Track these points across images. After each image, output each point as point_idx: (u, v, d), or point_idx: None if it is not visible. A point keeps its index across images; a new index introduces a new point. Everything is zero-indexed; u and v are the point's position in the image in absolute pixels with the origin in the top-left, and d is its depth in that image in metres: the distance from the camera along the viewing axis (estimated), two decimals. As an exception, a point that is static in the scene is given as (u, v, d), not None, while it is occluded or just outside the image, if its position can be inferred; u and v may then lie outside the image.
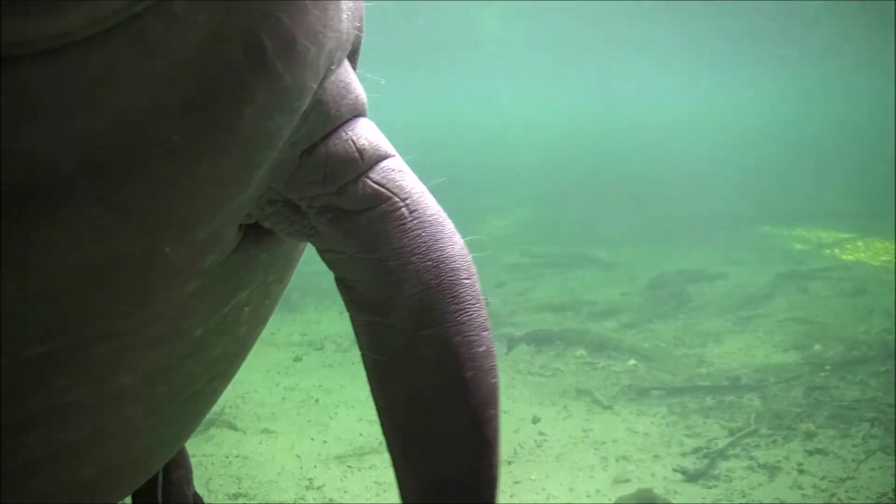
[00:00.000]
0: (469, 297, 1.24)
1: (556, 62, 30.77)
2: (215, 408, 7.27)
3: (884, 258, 12.56)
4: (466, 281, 1.25)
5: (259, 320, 1.44)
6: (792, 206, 18.64)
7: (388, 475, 5.94)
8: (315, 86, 1.08)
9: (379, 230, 1.17)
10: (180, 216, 1.03)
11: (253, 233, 1.23)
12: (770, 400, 7.09)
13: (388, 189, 1.18)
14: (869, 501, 5.25)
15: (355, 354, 9.15)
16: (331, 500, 5.60)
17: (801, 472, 5.72)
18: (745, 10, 19.43)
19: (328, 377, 8.28)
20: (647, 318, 9.95)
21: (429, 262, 1.18)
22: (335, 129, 1.17)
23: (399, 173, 1.23)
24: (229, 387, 6.99)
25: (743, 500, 5.38)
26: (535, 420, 6.92)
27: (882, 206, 15.75)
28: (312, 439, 6.62)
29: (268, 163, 1.09)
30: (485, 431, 1.19)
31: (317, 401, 7.58)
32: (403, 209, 1.18)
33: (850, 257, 12.83)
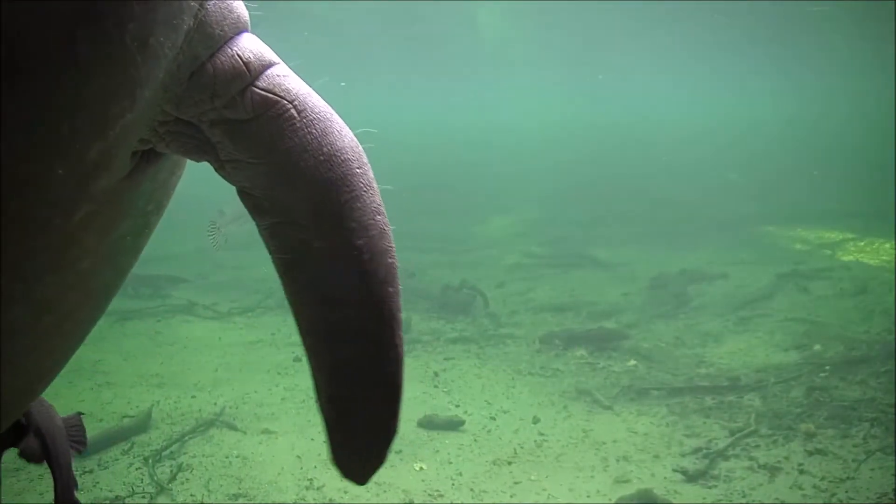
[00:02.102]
0: (362, 185, 1.27)
1: (557, 62, 30.76)
2: (215, 408, 7.31)
3: (884, 258, 12.56)
4: (358, 170, 1.27)
5: (137, 250, 1.49)
6: (792, 206, 18.64)
7: (389, 475, 5.94)
8: (195, 3, 1.12)
9: (271, 133, 1.21)
10: (69, 132, 1.06)
11: (141, 160, 1.26)
12: (770, 400, 7.09)
13: (275, 94, 1.22)
14: (869, 502, 5.25)
15: (355, 355, 9.17)
16: (331, 500, 5.60)
17: (801, 472, 5.71)
18: (747, 10, 19.43)
19: (328, 377, 8.27)
20: (647, 318, 9.95)
21: (321, 157, 1.22)
22: (221, 47, 1.20)
23: (285, 78, 1.26)
24: (229, 387, 7.06)
25: (743, 501, 5.38)
26: (535, 420, 6.92)
27: (882, 206, 15.75)
28: (312, 439, 6.62)
29: (154, 82, 1.12)
30: (385, 309, 1.31)
31: (317, 401, 7.57)
32: (292, 110, 1.22)
33: (850, 257, 12.82)
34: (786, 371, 7.77)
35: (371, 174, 1.31)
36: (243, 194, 1.29)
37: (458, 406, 7.35)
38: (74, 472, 2.08)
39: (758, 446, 6.18)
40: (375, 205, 1.29)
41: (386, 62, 28.67)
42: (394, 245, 1.30)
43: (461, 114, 55.71)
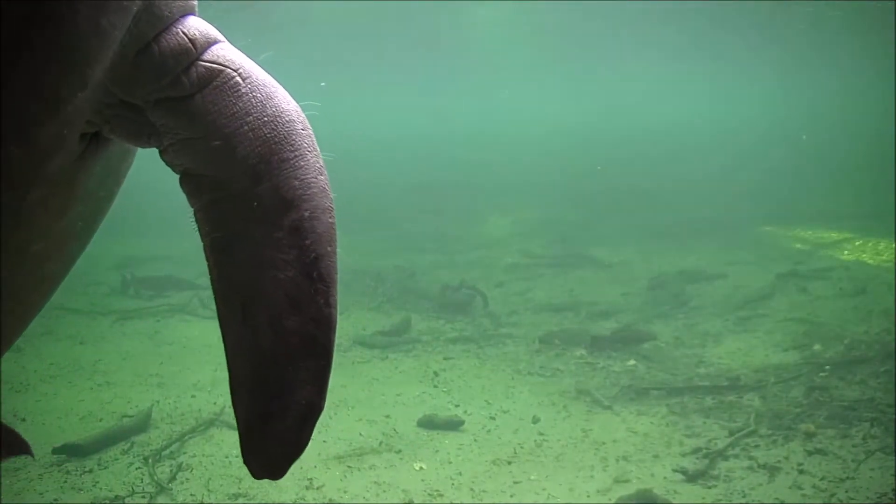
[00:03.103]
0: (306, 145, 1.29)
1: (557, 62, 30.75)
2: (215, 408, 7.31)
3: (883, 258, 12.57)
4: (303, 132, 1.30)
5: (88, 237, 1.50)
6: (792, 206, 18.64)
7: (388, 475, 5.94)
8: None
9: (216, 101, 1.24)
10: (22, 112, 1.08)
11: (90, 143, 1.27)
12: (770, 400, 7.09)
13: (220, 64, 1.25)
14: (869, 501, 5.25)
15: (355, 354, 9.18)
16: (331, 500, 5.59)
17: (800, 472, 5.71)
18: (747, 11, 19.43)
19: (328, 377, 8.26)
20: (647, 318, 9.95)
21: (265, 118, 1.25)
22: (167, 27, 1.23)
23: (229, 50, 1.29)
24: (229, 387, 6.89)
25: (743, 501, 5.38)
26: (535, 420, 6.92)
27: (882, 206, 15.75)
28: (312, 439, 6.61)
29: (103, 63, 1.14)
30: (322, 265, 1.27)
31: (317, 401, 7.56)
32: (237, 77, 1.25)
33: (850, 257, 12.83)
34: (785, 371, 7.77)
35: (314, 138, 1.33)
36: (185, 178, 1.30)
37: (457, 406, 7.35)
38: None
39: (757, 446, 6.18)
40: (318, 166, 1.30)
41: (386, 62, 28.67)
42: (334, 207, 1.31)
43: (461, 114, 55.70)
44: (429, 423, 6.84)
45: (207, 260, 1.33)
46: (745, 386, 7.44)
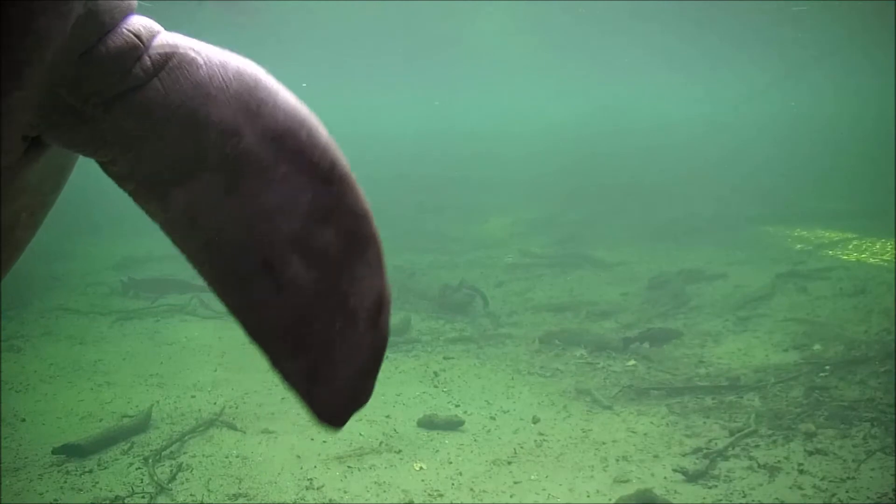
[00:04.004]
0: (276, 85, 1.29)
1: (556, 62, 30.75)
2: (215, 408, 7.31)
3: (883, 258, 12.56)
4: (268, 77, 1.30)
5: (35, 226, 1.50)
6: (792, 206, 18.65)
7: (388, 475, 5.94)
8: None
9: (177, 79, 1.23)
10: None
11: (33, 144, 1.27)
12: (770, 400, 7.09)
13: (171, 45, 1.25)
14: (869, 502, 5.25)
15: (355, 354, 9.18)
16: (331, 500, 5.59)
17: (801, 472, 5.71)
18: (746, 9, 19.43)
19: (328, 377, 8.26)
20: (647, 318, 9.94)
21: (230, 76, 1.25)
22: (111, 29, 1.23)
23: (174, 36, 1.30)
24: (229, 387, 7.05)
25: (743, 501, 5.38)
26: (535, 420, 6.92)
27: (882, 206, 15.75)
28: (312, 439, 6.62)
29: (42, 63, 1.14)
30: (338, 168, 1.26)
31: (317, 401, 7.56)
32: (190, 52, 1.25)
33: (850, 257, 12.83)
34: (785, 371, 7.77)
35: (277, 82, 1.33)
36: (143, 188, 1.27)
37: (457, 406, 7.35)
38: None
39: (758, 446, 6.18)
40: (295, 98, 1.31)
41: (386, 62, 28.67)
42: (323, 133, 1.30)
43: (461, 114, 55.70)
44: (429, 423, 6.83)
45: (197, 258, 1.30)
46: (745, 386, 7.43)
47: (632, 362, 8.35)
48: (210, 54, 1.27)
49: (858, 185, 20.16)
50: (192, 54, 1.25)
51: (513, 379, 8.06)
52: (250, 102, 1.25)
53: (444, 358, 8.81)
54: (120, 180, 1.28)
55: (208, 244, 1.29)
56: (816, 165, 24.59)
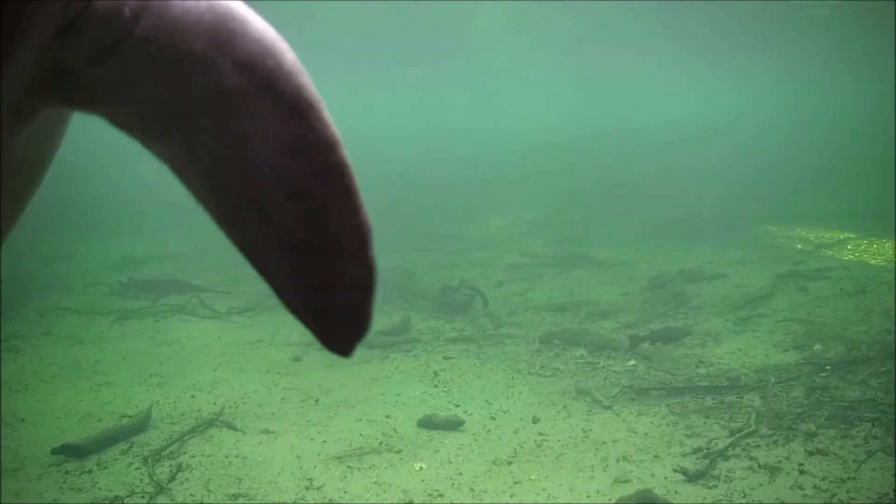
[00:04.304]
0: (246, 12, 1.31)
1: (556, 62, 30.76)
2: (215, 408, 7.31)
3: (884, 258, 12.56)
4: (240, 6, 1.32)
5: (26, 199, 1.54)
6: (792, 206, 18.64)
7: (388, 475, 5.94)
8: None
9: (153, 23, 1.26)
10: None
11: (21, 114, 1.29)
12: (770, 400, 7.08)
13: None
14: (870, 502, 5.24)
15: (355, 354, 9.18)
16: (331, 500, 5.59)
17: (801, 472, 5.71)
18: (747, 9, 19.43)
19: (328, 377, 8.27)
20: (647, 318, 9.94)
21: (202, 10, 1.27)
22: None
23: None
24: (229, 387, 7.05)
25: (743, 501, 5.37)
26: (535, 420, 6.91)
27: (882, 206, 15.74)
28: (312, 439, 6.61)
29: (39, 33, 1.16)
30: (303, 94, 1.26)
31: (317, 401, 7.57)
32: None
33: (850, 257, 12.82)
34: (786, 371, 7.76)
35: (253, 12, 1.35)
36: (145, 136, 1.30)
37: (457, 406, 7.34)
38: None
39: (758, 446, 6.17)
40: (265, 22, 1.33)
41: (386, 62, 28.67)
42: (300, 64, 1.31)
43: (461, 114, 55.72)
44: (429, 423, 6.83)
45: (191, 181, 1.34)
46: (745, 386, 7.43)
47: (632, 362, 8.35)
48: None
49: (858, 185, 20.15)
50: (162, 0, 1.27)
51: (513, 379, 8.06)
52: (223, 33, 1.27)
53: (444, 358, 8.80)
54: (125, 129, 1.30)
55: (204, 182, 1.30)
56: (816, 165, 24.58)
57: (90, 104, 1.29)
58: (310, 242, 1.29)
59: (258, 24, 1.31)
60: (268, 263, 1.32)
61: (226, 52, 1.26)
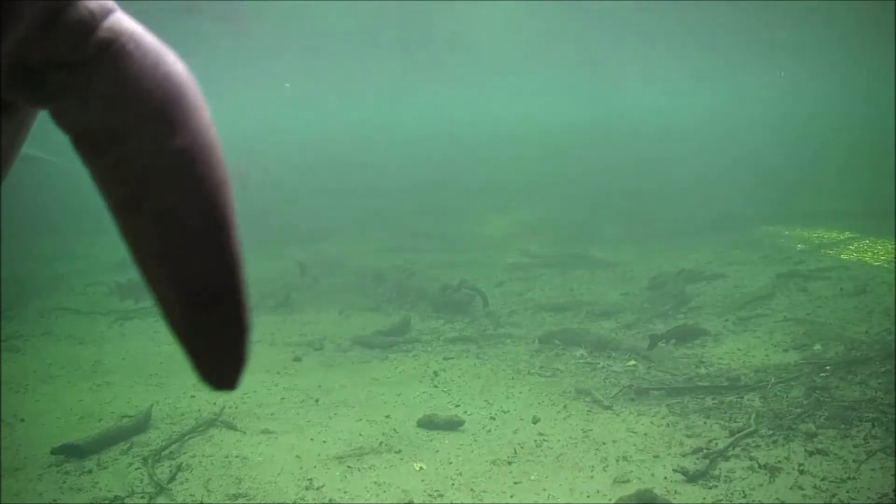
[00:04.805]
0: (195, 104, 1.40)
1: (556, 62, 30.75)
2: (215, 408, 7.31)
3: (884, 258, 12.56)
4: (191, 92, 1.40)
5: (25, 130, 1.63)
6: (792, 206, 18.64)
7: (388, 475, 5.94)
8: None
9: (110, 67, 1.34)
10: None
11: None
12: (770, 400, 7.08)
13: (116, 32, 1.36)
14: (870, 502, 5.24)
15: (355, 354, 9.18)
16: (331, 500, 5.59)
17: (801, 472, 5.70)
18: (746, 9, 19.42)
19: (328, 377, 8.27)
20: (647, 318, 9.94)
21: (157, 80, 1.36)
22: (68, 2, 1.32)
23: (123, 20, 1.40)
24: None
25: (743, 501, 5.37)
26: (535, 420, 6.91)
27: (882, 206, 15.74)
28: (312, 439, 6.61)
29: (18, 33, 1.21)
30: (220, 210, 1.38)
31: (317, 401, 7.57)
32: (130, 44, 1.36)
33: (851, 257, 12.82)
34: (786, 371, 7.76)
35: (202, 98, 1.43)
36: (81, 141, 1.38)
37: (457, 406, 7.34)
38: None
39: (758, 446, 6.17)
40: (208, 122, 1.41)
41: (385, 62, 28.67)
42: (223, 159, 1.41)
43: (461, 114, 55.71)
44: (429, 423, 6.83)
45: (117, 212, 1.43)
46: (745, 386, 7.43)
47: (632, 362, 8.35)
48: (147, 49, 1.36)
49: (858, 185, 20.15)
50: (132, 45, 1.34)
51: (513, 379, 8.06)
52: (167, 114, 1.35)
53: (444, 358, 8.80)
54: (65, 127, 1.38)
55: (122, 206, 1.40)
56: (817, 165, 24.58)
57: (45, 107, 1.36)
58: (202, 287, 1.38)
59: (199, 117, 1.39)
60: (158, 282, 1.39)
61: (163, 133, 1.34)
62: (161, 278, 1.40)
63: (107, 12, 1.37)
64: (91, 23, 1.32)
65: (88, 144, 1.39)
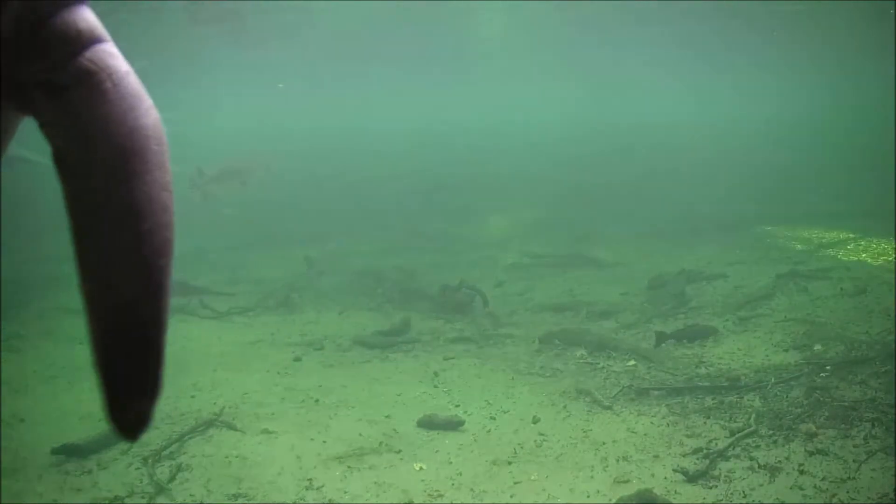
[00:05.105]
0: (156, 161, 1.41)
1: (555, 62, 30.74)
2: (215, 408, 7.31)
3: (884, 258, 12.55)
4: (156, 147, 1.42)
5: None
6: (792, 206, 18.63)
7: (388, 475, 5.93)
8: None
9: (87, 102, 1.34)
10: None
11: None
12: (770, 400, 7.08)
13: (98, 66, 1.36)
14: (870, 502, 5.24)
15: (355, 354, 9.17)
16: (331, 500, 5.59)
17: (801, 472, 5.70)
18: (746, 9, 19.42)
19: (328, 377, 8.27)
20: (647, 318, 9.93)
21: (124, 129, 1.36)
22: (58, 11, 1.32)
23: (111, 56, 1.40)
24: (229, 387, 7.03)
25: (743, 501, 5.37)
26: (535, 420, 6.91)
27: (882, 206, 15.73)
28: (312, 439, 6.61)
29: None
30: (155, 278, 1.40)
31: (317, 401, 7.57)
32: (108, 83, 1.36)
33: (851, 257, 12.81)
34: (786, 371, 7.76)
35: (167, 155, 1.45)
36: (56, 158, 1.40)
37: (458, 406, 7.34)
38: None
39: (758, 446, 6.17)
40: (165, 182, 1.42)
41: (385, 62, 28.66)
42: (173, 223, 1.43)
43: (461, 114, 55.72)
44: (429, 423, 6.83)
45: (74, 236, 1.45)
46: (745, 386, 7.42)
47: (632, 362, 8.35)
48: (124, 93, 1.36)
49: (858, 185, 20.14)
50: (108, 86, 1.34)
51: (513, 379, 8.06)
52: (127, 166, 1.36)
53: (444, 358, 8.80)
54: (47, 140, 1.40)
55: (75, 233, 1.42)
56: (816, 165, 24.57)
57: (35, 115, 1.37)
58: (123, 348, 1.39)
59: (158, 177, 1.39)
60: (94, 340, 1.39)
61: (117, 184, 1.34)
62: (89, 310, 1.38)
63: (94, 39, 1.37)
64: (75, 43, 1.33)
65: (58, 162, 1.40)
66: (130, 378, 1.44)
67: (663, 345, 8.59)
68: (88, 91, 1.33)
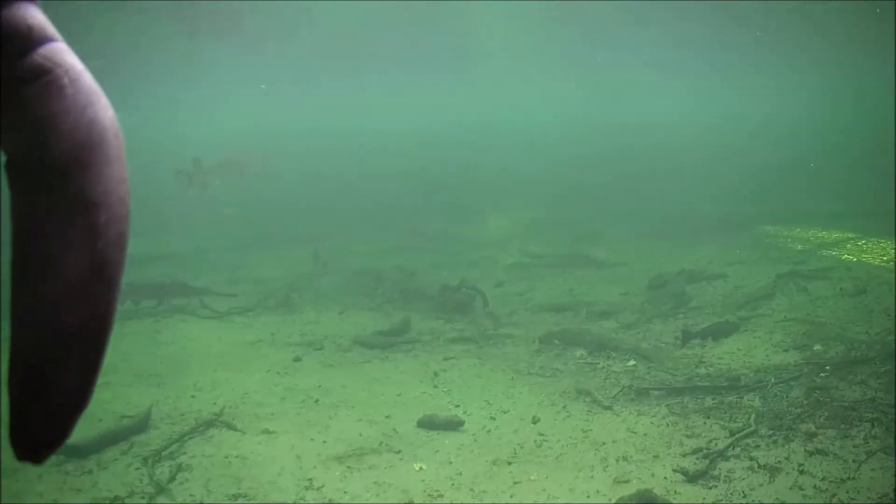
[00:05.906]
0: (114, 155, 1.42)
1: (555, 62, 30.74)
2: (215, 408, 7.31)
3: (884, 258, 12.55)
4: (114, 141, 1.42)
5: None
6: (792, 206, 18.63)
7: (388, 475, 5.94)
8: None
9: (41, 97, 1.33)
10: None
11: None
12: (770, 400, 7.08)
13: (52, 62, 1.35)
14: (870, 502, 5.24)
15: (355, 354, 9.17)
16: (331, 500, 5.59)
17: (801, 472, 5.71)
18: (746, 10, 19.43)
19: (328, 377, 8.27)
20: (647, 318, 9.93)
21: (82, 123, 1.35)
22: (4, 6, 1.32)
23: (63, 52, 1.39)
24: (229, 387, 7.04)
25: (743, 501, 5.37)
26: (535, 420, 6.91)
27: (882, 206, 15.73)
28: (312, 439, 6.61)
29: None
30: (109, 268, 1.39)
31: (317, 401, 7.57)
32: (64, 78, 1.35)
33: (850, 257, 12.81)
34: (786, 371, 7.76)
35: (123, 149, 1.44)
36: (10, 162, 1.39)
37: (457, 406, 7.34)
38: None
39: (758, 446, 6.17)
40: (122, 176, 1.42)
41: (384, 62, 28.67)
42: (129, 216, 1.44)
43: (461, 114, 55.70)
44: (429, 423, 6.83)
45: (11, 244, 1.43)
46: (745, 386, 7.42)
47: (632, 362, 8.35)
48: (80, 89, 1.35)
49: (858, 185, 20.14)
50: (64, 81, 1.33)
51: (513, 379, 8.06)
52: (84, 159, 1.35)
53: (444, 358, 8.80)
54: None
55: (19, 235, 1.41)
56: (817, 165, 24.56)
57: None
58: (62, 342, 1.39)
59: (114, 171, 1.38)
60: (17, 340, 1.37)
61: (75, 176, 1.34)
62: (19, 318, 1.36)
63: (46, 37, 1.37)
64: (27, 39, 1.32)
65: (10, 164, 1.39)
66: (62, 382, 1.41)
67: (694, 342, 8.66)
68: (45, 87, 1.32)
